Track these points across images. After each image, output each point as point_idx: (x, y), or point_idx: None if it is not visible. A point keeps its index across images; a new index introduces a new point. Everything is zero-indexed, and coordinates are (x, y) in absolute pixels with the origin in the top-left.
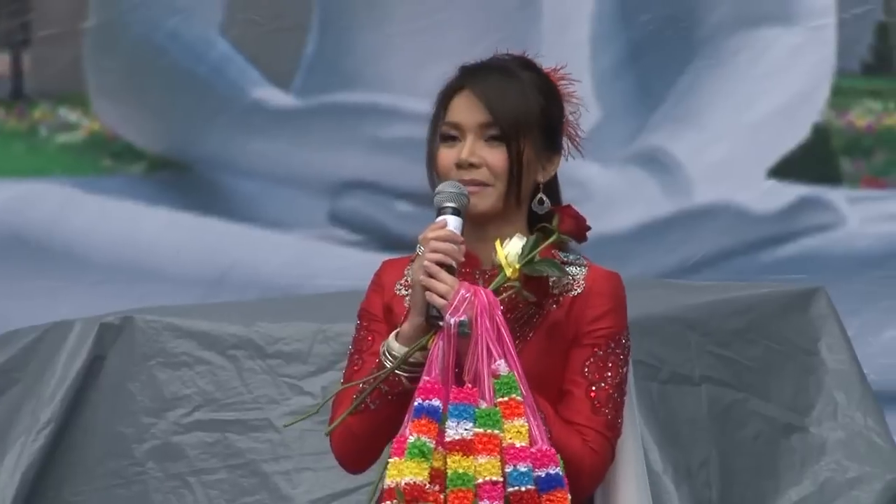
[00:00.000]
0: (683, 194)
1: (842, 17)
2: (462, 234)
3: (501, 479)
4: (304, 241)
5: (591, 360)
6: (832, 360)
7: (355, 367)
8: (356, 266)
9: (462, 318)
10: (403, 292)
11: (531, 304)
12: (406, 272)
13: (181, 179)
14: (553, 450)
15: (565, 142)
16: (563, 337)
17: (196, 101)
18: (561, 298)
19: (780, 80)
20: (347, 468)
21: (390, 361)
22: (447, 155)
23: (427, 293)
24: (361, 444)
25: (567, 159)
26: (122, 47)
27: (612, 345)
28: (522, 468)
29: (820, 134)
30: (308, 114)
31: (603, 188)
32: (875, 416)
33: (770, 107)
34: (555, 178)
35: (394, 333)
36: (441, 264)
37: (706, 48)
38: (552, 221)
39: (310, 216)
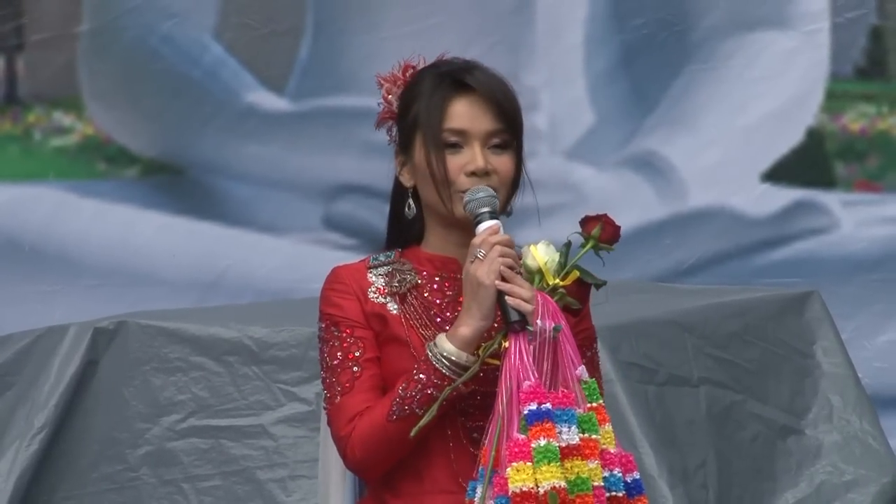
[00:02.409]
0: (678, 198)
1: (835, 21)
2: None
3: (604, 485)
4: (298, 245)
5: (584, 361)
6: (827, 363)
7: (356, 376)
8: None
9: (557, 324)
10: (381, 300)
11: (573, 310)
12: (371, 279)
13: (175, 183)
14: (632, 455)
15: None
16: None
17: (190, 106)
18: None
19: (774, 84)
20: (366, 474)
21: (447, 366)
22: (453, 161)
23: (510, 298)
24: (393, 449)
25: None
26: (115, 51)
27: (595, 346)
28: (617, 473)
29: (814, 138)
30: (302, 118)
31: (597, 192)
32: (870, 419)
33: (764, 111)
34: None
35: (443, 337)
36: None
37: (700, 52)
38: (590, 228)
39: (304, 220)
